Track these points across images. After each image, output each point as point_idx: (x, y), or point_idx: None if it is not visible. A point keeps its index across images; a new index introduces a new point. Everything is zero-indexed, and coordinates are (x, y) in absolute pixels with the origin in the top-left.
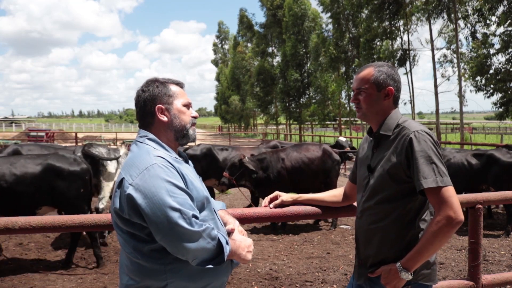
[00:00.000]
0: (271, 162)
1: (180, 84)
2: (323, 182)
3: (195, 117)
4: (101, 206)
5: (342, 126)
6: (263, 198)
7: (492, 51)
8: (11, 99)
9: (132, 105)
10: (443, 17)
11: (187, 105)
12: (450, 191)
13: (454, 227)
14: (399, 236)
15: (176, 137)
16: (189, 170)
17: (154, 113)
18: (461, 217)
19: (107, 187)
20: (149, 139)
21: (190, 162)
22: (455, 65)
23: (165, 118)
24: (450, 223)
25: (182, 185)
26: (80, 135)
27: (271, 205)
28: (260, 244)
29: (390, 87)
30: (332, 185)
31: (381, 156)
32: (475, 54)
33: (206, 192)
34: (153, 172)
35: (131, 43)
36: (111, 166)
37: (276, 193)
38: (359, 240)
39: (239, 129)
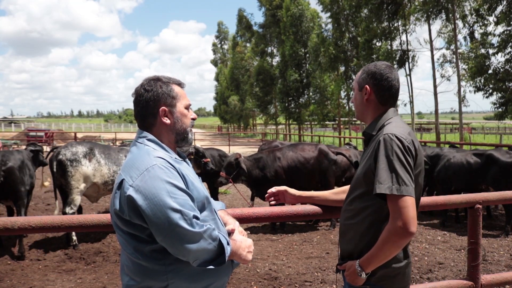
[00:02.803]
0: (267, 161)
1: (181, 85)
2: (320, 182)
3: (194, 119)
4: (69, 211)
5: (342, 126)
6: (260, 198)
7: (491, 51)
8: (10, 99)
9: (131, 105)
10: (441, 17)
11: (188, 107)
12: (405, 201)
13: (402, 239)
14: (365, 234)
15: (176, 139)
16: (189, 170)
17: (157, 115)
18: (411, 229)
19: (76, 189)
20: (149, 139)
21: (189, 162)
22: (454, 65)
23: (168, 121)
24: (397, 233)
25: (182, 185)
26: (79, 135)
27: (272, 201)
28: (260, 244)
29: (367, 85)
30: (329, 185)
31: (365, 156)
32: (473, 55)
33: (206, 193)
34: (153, 173)
35: (131, 43)
36: (84, 167)
37: (284, 187)
38: (339, 233)
39: (239, 129)
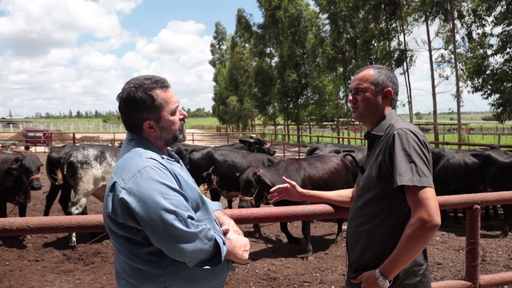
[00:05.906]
0: (291, 171)
1: (166, 86)
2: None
3: (183, 119)
4: (74, 211)
5: (340, 127)
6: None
7: (489, 51)
8: (9, 100)
9: None
10: (439, 17)
11: (175, 111)
12: (427, 192)
13: (428, 231)
14: (384, 240)
15: (166, 144)
16: (181, 170)
17: (142, 127)
18: (436, 220)
19: (84, 190)
20: (138, 142)
21: (181, 162)
22: (453, 65)
23: (154, 133)
24: (424, 226)
25: (175, 186)
26: (78, 136)
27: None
28: (258, 245)
29: (389, 88)
30: None
31: (372, 157)
32: (472, 55)
33: (200, 192)
34: (145, 174)
35: (130, 44)
36: (94, 169)
37: (293, 182)
38: (348, 243)
39: (237, 129)
